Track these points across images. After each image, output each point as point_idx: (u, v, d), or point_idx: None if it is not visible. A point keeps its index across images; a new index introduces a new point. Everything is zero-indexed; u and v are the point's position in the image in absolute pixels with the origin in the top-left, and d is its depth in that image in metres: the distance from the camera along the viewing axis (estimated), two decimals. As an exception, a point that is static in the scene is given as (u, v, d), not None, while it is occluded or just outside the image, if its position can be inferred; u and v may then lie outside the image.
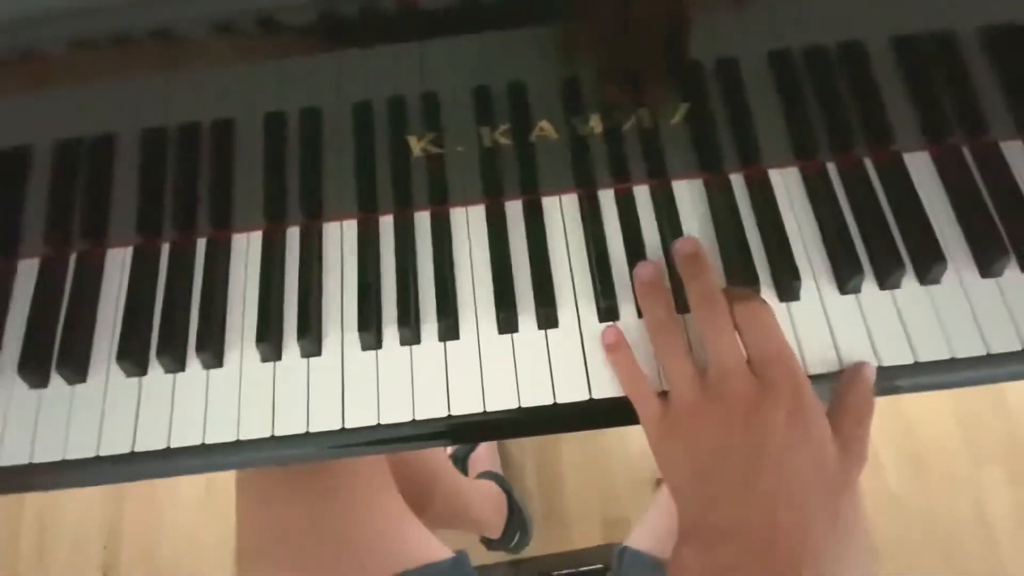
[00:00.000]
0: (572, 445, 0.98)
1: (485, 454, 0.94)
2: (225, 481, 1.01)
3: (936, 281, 0.36)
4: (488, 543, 0.88)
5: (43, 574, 0.98)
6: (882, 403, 0.33)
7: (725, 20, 0.30)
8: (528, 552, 0.91)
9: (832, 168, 0.39)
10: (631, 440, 0.98)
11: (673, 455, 0.32)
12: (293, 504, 0.46)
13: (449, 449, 0.94)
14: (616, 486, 0.95)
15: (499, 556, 0.90)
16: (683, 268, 0.35)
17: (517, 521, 0.89)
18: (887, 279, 0.36)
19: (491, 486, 0.88)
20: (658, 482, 0.93)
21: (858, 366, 0.34)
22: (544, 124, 0.33)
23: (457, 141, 0.34)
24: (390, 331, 0.38)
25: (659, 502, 0.54)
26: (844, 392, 0.33)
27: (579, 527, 0.93)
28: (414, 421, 0.36)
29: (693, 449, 0.31)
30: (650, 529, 0.51)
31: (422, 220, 0.40)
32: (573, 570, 0.61)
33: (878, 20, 0.32)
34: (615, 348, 0.35)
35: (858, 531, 0.39)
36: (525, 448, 0.98)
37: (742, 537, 0.29)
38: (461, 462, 0.92)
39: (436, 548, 0.50)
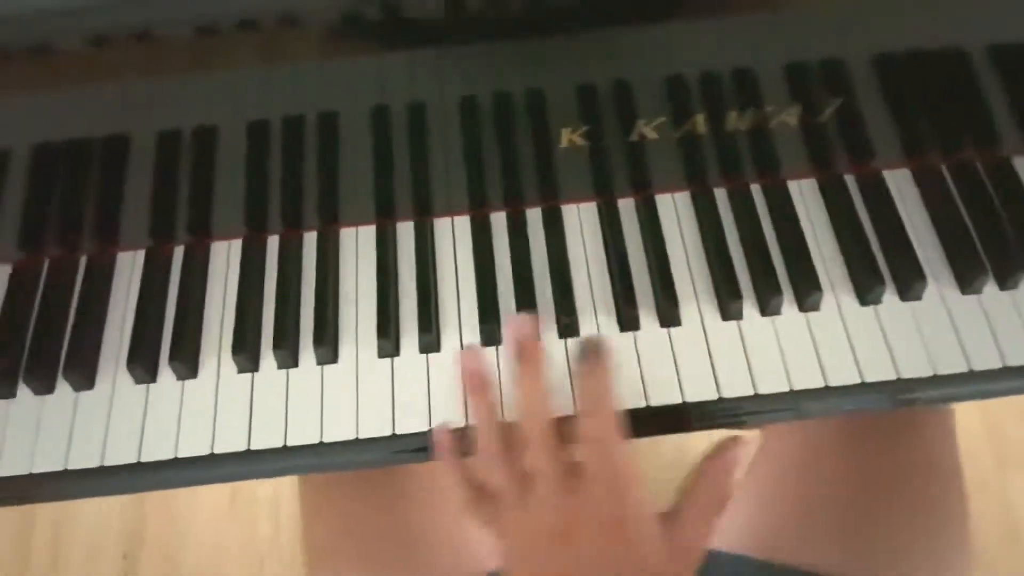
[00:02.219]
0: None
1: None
2: (250, 490, 0.99)
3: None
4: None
5: (58, 585, 0.95)
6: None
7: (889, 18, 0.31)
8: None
9: (945, 170, 0.40)
10: (663, 444, 0.97)
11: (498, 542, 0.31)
12: (361, 501, 0.45)
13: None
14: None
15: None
16: (519, 370, 0.33)
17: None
18: (1000, 280, 0.36)
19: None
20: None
21: (721, 447, 0.32)
22: (699, 118, 0.33)
23: (607, 134, 0.34)
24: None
25: (739, 499, 0.52)
26: (696, 481, 0.31)
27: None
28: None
29: (505, 547, 0.31)
30: (737, 525, 0.49)
31: (534, 216, 0.40)
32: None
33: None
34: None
35: None
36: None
37: None
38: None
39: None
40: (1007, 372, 0.34)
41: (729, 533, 0.48)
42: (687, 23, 0.30)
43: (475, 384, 0.33)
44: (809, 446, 0.47)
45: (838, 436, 0.46)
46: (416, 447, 0.35)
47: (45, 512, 0.99)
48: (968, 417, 0.99)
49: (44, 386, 0.37)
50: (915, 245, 0.38)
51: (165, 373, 0.37)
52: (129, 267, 0.40)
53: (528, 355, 0.32)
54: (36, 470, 0.35)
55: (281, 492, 0.98)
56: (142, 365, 0.36)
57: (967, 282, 0.36)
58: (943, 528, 0.44)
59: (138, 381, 0.37)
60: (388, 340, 0.36)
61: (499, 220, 0.40)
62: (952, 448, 0.46)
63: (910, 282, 0.36)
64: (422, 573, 0.44)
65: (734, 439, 0.32)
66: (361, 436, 0.35)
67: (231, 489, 0.99)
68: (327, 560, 0.46)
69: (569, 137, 0.34)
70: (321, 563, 0.46)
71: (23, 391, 0.37)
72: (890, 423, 0.46)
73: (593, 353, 0.32)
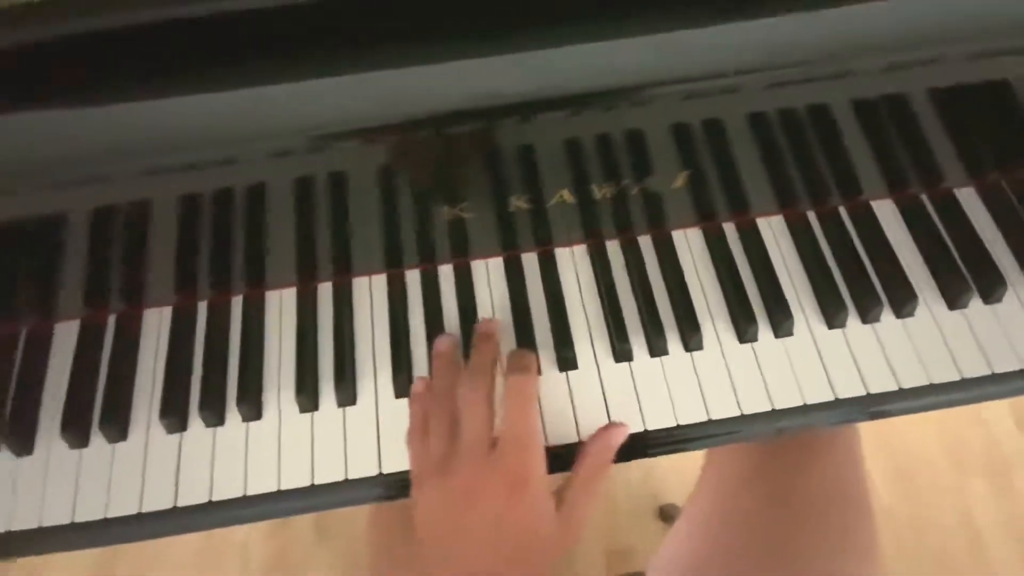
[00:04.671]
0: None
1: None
2: (220, 537, 0.99)
3: (911, 314, 0.41)
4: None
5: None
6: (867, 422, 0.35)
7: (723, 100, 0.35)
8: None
9: (812, 216, 0.44)
10: (631, 467, 0.99)
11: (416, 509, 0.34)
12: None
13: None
14: (618, 515, 0.95)
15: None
16: (473, 343, 0.39)
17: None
18: (868, 314, 0.40)
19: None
20: (661, 510, 0.94)
21: (602, 430, 0.36)
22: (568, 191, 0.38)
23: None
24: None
25: (676, 528, 0.54)
26: (583, 456, 0.35)
27: (582, 558, 0.93)
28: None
29: (418, 514, 0.34)
30: (666, 558, 0.52)
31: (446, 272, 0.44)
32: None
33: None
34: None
35: None
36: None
37: None
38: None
39: None
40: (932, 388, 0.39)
41: (663, 564, 0.51)
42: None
43: (441, 358, 0.38)
44: (738, 474, 0.50)
45: (756, 465, 0.49)
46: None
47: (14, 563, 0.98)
48: (922, 426, 1.01)
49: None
50: (785, 288, 0.42)
51: (96, 437, 0.39)
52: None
53: (485, 336, 0.38)
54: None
55: (251, 539, 0.98)
56: (73, 433, 0.39)
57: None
58: (852, 551, 0.46)
59: (72, 447, 0.39)
60: (307, 396, 0.39)
61: (413, 277, 0.44)
62: (858, 471, 0.49)
63: (783, 320, 0.40)
64: None
65: (610, 426, 0.36)
66: (284, 487, 0.38)
67: (203, 542, 0.99)
68: None
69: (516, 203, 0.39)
70: None
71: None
72: (796, 451, 0.48)
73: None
